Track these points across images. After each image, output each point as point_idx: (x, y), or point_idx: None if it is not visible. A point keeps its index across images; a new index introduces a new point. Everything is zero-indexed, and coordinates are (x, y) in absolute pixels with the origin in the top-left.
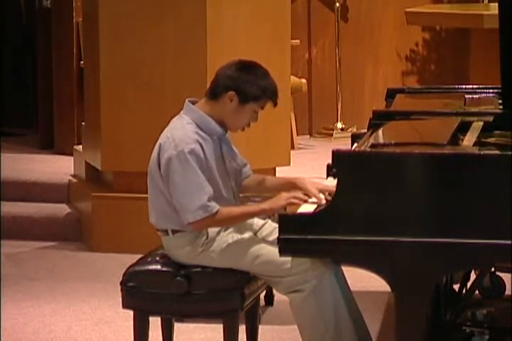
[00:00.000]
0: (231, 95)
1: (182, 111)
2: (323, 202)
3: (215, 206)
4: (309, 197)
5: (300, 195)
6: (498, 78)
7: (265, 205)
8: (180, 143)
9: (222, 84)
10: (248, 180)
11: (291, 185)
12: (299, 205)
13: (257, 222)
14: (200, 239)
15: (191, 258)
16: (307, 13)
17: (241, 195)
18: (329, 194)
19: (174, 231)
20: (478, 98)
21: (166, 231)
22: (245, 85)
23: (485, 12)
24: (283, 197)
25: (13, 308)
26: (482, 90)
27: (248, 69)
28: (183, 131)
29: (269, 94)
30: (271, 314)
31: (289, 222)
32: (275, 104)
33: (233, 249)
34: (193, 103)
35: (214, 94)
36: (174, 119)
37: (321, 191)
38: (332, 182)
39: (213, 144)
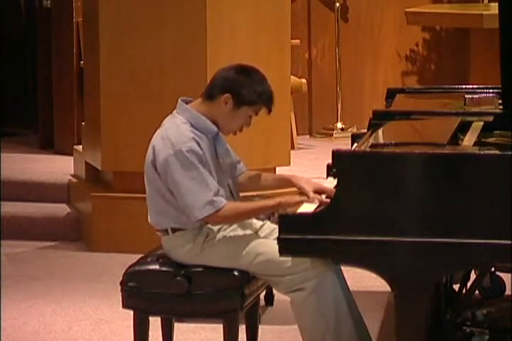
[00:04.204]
0: (226, 97)
1: (175, 111)
2: (316, 201)
3: (221, 201)
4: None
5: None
6: (498, 78)
7: (281, 199)
8: (176, 143)
9: (218, 85)
10: (243, 176)
11: (286, 182)
12: (299, 205)
13: (256, 222)
14: (201, 238)
15: (191, 256)
16: (307, 13)
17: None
18: (327, 196)
19: (174, 230)
20: (478, 98)
21: (165, 231)
22: (241, 89)
23: (485, 12)
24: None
25: (13, 308)
26: (482, 90)
27: (246, 73)
28: (178, 130)
29: (265, 99)
30: (271, 314)
31: (289, 222)
32: (270, 111)
33: (233, 248)
34: (187, 102)
35: (210, 95)
36: (167, 119)
37: (316, 191)
38: (332, 182)
39: (208, 142)
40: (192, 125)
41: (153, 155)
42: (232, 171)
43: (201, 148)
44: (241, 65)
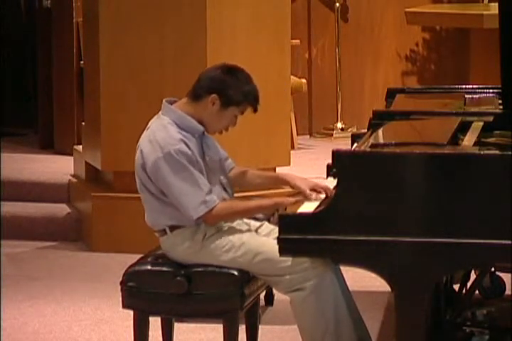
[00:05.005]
0: (213, 98)
1: (160, 112)
2: (313, 197)
3: (214, 200)
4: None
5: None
6: (498, 78)
7: (276, 199)
8: (165, 145)
9: (205, 86)
10: (233, 173)
11: (279, 181)
12: (299, 205)
13: (254, 223)
14: (199, 235)
15: (190, 254)
16: (307, 13)
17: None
18: (327, 194)
19: (172, 229)
20: (478, 98)
21: (163, 231)
22: (228, 89)
23: (485, 12)
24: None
25: (13, 308)
26: (482, 90)
27: (232, 73)
28: (165, 131)
29: (251, 99)
30: (271, 314)
31: (289, 222)
32: (255, 110)
33: (232, 247)
34: (171, 103)
35: (196, 95)
36: (153, 120)
37: (312, 188)
38: (332, 182)
39: (196, 142)
40: (178, 125)
41: (142, 159)
42: (222, 167)
43: (190, 149)
44: (226, 64)
